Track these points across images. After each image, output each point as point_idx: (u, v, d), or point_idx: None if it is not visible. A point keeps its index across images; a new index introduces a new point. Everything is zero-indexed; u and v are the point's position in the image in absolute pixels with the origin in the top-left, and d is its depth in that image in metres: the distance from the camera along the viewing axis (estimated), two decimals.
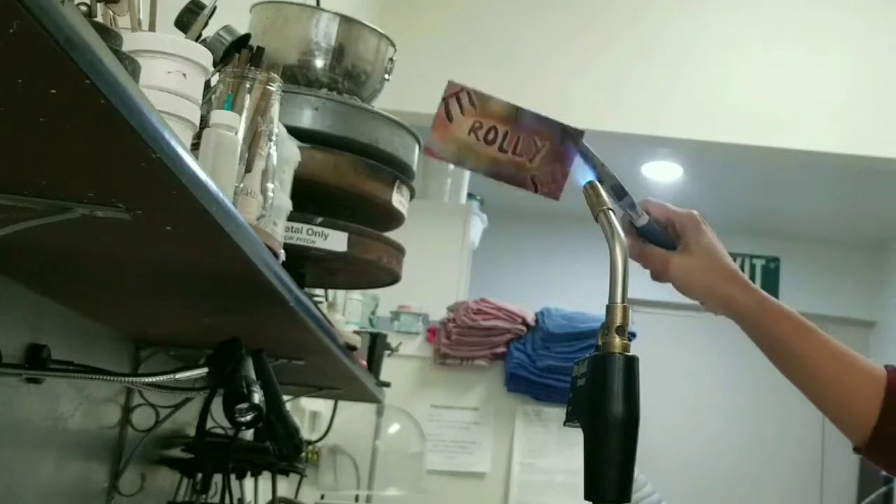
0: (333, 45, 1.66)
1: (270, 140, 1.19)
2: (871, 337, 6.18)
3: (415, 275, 2.13)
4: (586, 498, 0.83)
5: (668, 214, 1.18)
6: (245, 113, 1.16)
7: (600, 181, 1.07)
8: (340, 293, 2.53)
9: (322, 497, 3.18)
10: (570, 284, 5.76)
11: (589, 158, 1.06)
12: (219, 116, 1.06)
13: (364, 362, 2.32)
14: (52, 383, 1.26)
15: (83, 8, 0.84)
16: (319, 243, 1.57)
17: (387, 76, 1.75)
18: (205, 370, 1.23)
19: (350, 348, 1.83)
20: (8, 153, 0.67)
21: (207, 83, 1.04)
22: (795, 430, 5.93)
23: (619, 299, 0.84)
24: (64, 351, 1.23)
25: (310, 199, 1.54)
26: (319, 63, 1.66)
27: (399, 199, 1.69)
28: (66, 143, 0.64)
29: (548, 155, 1.06)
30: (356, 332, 2.20)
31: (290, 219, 1.40)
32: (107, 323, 1.42)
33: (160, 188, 0.72)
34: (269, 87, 1.19)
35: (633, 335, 1.24)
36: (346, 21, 1.68)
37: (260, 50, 1.21)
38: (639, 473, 3.07)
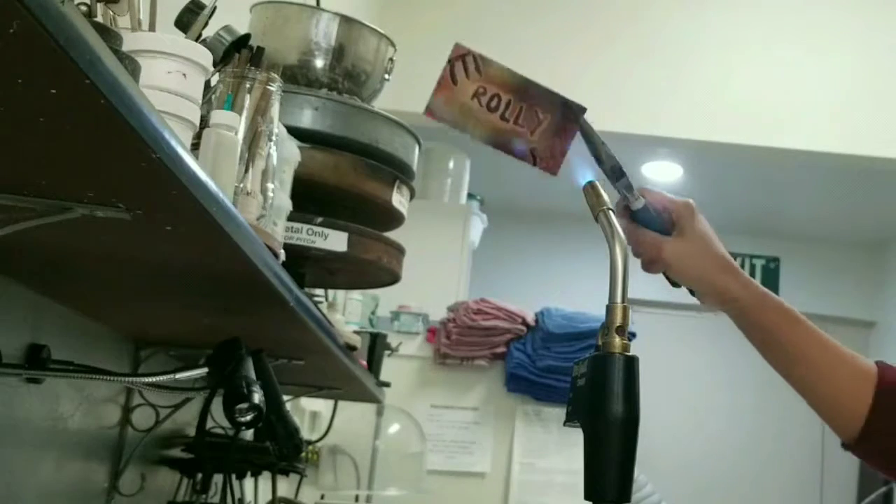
0: (333, 45, 1.66)
1: (270, 140, 1.19)
2: (871, 337, 6.18)
3: (415, 275, 2.13)
4: (586, 498, 0.83)
5: (664, 202, 1.17)
6: (245, 113, 1.16)
7: (599, 160, 1.07)
8: (340, 293, 2.53)
9: (322, 497, 3.18)
10: (570, 284, 5.76)
11: (589, 136, 1.06)
12: (219, 116, 1.06)
13: (364, 362, 2.32)
14: (52, 383, 1.26)
15: (83, 8, 0.84)
16: (319, 243, 1.57)
17: (387, 76, 1.75)
18: (205, 370, 1.23)
19: (350, 348, 1.83)
20: (8, 153, 0.67)
21: (207, 83, 1.04)
22: (795, 430, 5.93)
23: (619, 299, 0.84)
24: (64, 351, 1.23)
25: (310, 199, 1.54)
26: (319, 63, 1.66)
27: (399, 199, 1.69)
28: (66, 143, 0.64)
29: (549, 129, 1.06)
30: (356, 332, 2.20)
31: (290, 219, 1.40)
32: (107, 323, 1.42)
33: (160, 188, 0.72)
34: (269, 87, 1.19)
35: (633, 335, 1.24)
36: (346, 21, 1.68)
37: (260, 50, 1.21)
38: (639, 473, 3.07)
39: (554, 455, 3.53)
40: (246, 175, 1.13)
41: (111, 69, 0.56)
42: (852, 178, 5.08)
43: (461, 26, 3.89)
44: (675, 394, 6.08)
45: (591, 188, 0.94)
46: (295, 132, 1.44)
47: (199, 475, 1.74)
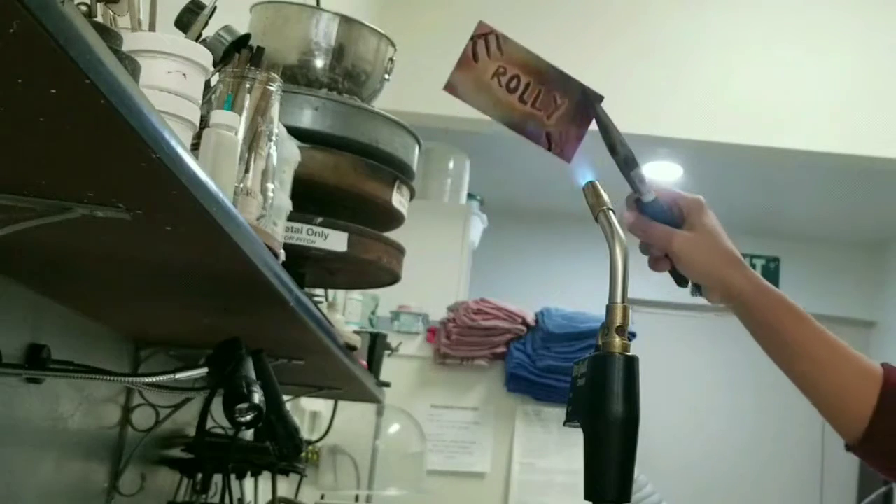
0: (333, 45, 1.66)
1: (270, 140, 1.19)
2: (871, 337, 6.18)
3: (415, 275, 2.13)
4: (586, 498, 0.82)
5: (674, 196, 1.17)
6: (245, 113, 1.16)
7: (613, 149, 1.07)
8: (340, 293, 2.53)
9: (322, 497, 3.18)
10: (570, 284, 5.76)
11: (604, 124, 1.06)
12: (219, 116, 1.06)
13: (364, 362, 2.32)
14: (52, 383, 1.26)
15: (83, 8, 0.84)
16: (319, 243, 1.57)
17: (387, 76, 1.75)
18: (205, 370, 1.23)
19: (350, 348, 1.83)
20: (8, 153, 0.67)
21: (207, 83, 1.04)
22: (795, 430, 5.93)
23: (619, 299, 0.84)
24: (64, 351, 1.23)
25: (310, 199, 1.54)
26: (319, 63, 1.66)
27: (399, 199, 1.69)
28: (66, 143, 0.64)
29: (566, 114, 1.06)
30: (356, 332, 2.20)
31: (290, 219, 1.40)
32: (107, 323, 1.42)
33: (160, 188, 0.72)
34: (269, 87, 1.19)
35: (633, 335, 1.24)
36: (346, 21, 1.68)
37: (260, 50, 1.21)
38: (639, 473, 3.07)
39: (554, 455, 3.53)
40: (246, 175, 1.13)
41: (111, 69, 0.56)
42: (852, 178, 5.08)
43: (461, 26, 3.87)
44: (676, 394, 6.09)
45: (591, 188, 0.93)
46: (295, 132, 1.44)
47: (199, 475, 1.74)
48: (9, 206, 0.75)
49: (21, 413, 1.21)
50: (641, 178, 1.12)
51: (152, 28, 0.97)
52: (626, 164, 1.09)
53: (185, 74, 0.90)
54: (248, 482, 1.98)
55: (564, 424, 0.88)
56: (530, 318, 3.59)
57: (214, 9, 1.10)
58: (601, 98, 1.06)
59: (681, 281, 1.20)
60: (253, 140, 1.16)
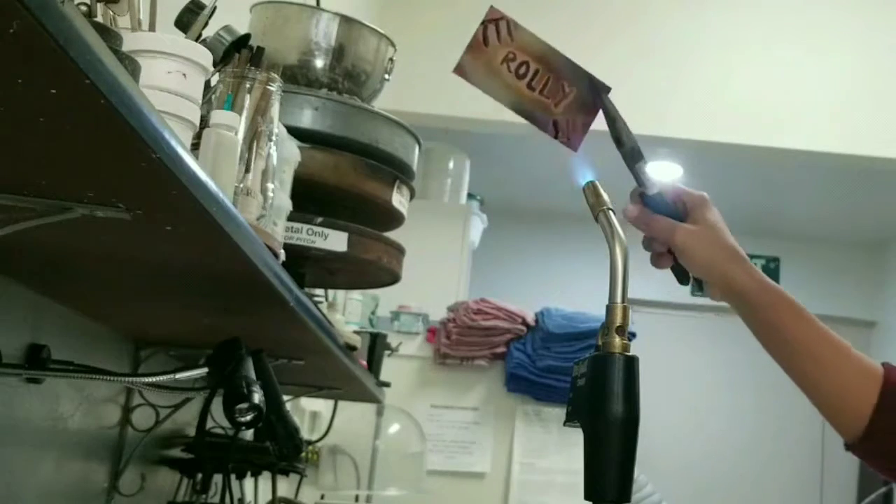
0: (333, 45, 1.66)
1: (270, 140, 1.19)
2: (871, 337, 6.18)
3: (415, 275, 2.13)
4: (586, 498, 0.82)
5: (678, 191, 1.18)
6: (245, 113, 1.16)
7: (619, 141, 1.07)
8: (340, 293, 2.53)
9: (322, 497, 3.18)
10: (570, 284, 5.76)
11: (611, 115, 1.07)
12: (219, 116, 1.06)
13: (364, 362, 2.32)
14: (52, 383, 1.26)
15: (83, 8, 0.84)
16: (319, 243, 1.57)
17: (387, 76, 1.75)
18: (205, 370, 1.23)
19: (350, 348, 1.83)
20: (8, 153, 0.67)
21: (207, 83, 1.04)
22: (795, 430, 5.93)
23: (619, 299, 0.84)
24: (64, 351, 1.23)
25: (310, 199, 1.54)
26: (319, 63, 1.66)
27: (399, 199, 1.69)
28: (66, 143, 0.64)
29: (573, 103, 1.07)
30: (356, 332, 2.20)
31: (290, 219, 1.40)
32: (107, 323, 1.42)
33: (160, 188, 0.72)
34: (269, 87, 1.19)
35: (633, 335, 1.23)
36: (346, 21, 1.68)
37: (260, 50, 1.21)
38: (639, 473, 3.07)
39: (554, 455, 3.53)
40: (246, 175, 1.13)
41: (111, 69, 0.56)
42: (852, 178, 5.08)
43: (461, 26, 3.87)
44: (676, 394, 6.09)
45: (591, 188, 0.94)
46: (295, 132, 1.44)
47: (199, 475, 1.74)
48: (9, 206, 0.75)
49: (21, 413, 1.21)
50: (646, 170, 1.12)
51: (152, 28, 0.97)
52: (632, 156, 1.09)
53: (185, 74, 0.90)
54: (248, 482, 1.98)
55: (564, 424, 0.88)
56: (530, 318, 3.59)
57: (214, 9, 1.10)
58: (609, 89, 1.07)
59: (682, 278, 1.20)
60: (253, 140, 1.16)
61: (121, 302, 1.30)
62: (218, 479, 1.75)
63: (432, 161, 4.54)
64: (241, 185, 1.12)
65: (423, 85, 3.61)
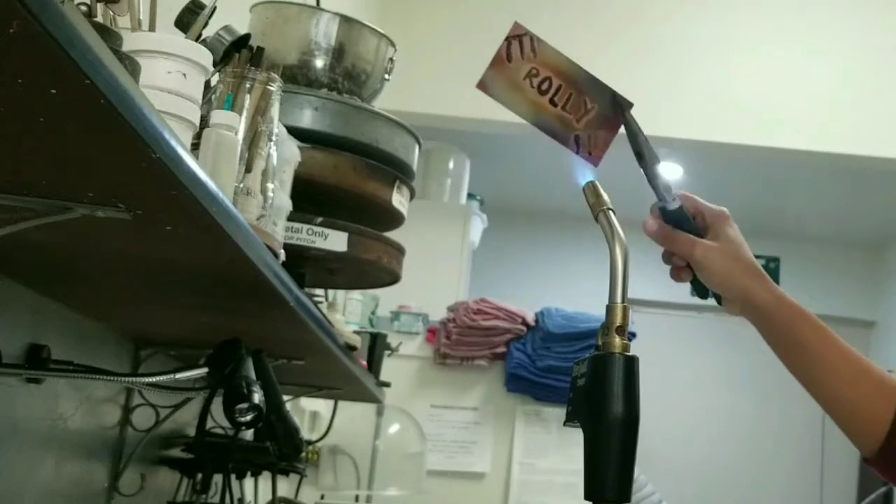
0: (333, 45, 1.66)
1: (270, 140, 1.19)
2: (871, 337, 6.18)
3: (415, 275, 2.13)
4: (586, 498, 0.82)
5: (697, 206, 1.18)
6: (245, 113, 1.16)
7: (640, 157, 1.08)
8: (340, 293, 2.53)
9: (322, 497, 3.18)
10: (570, 284, 5.76)
11: (633, 132, 1.07)
12: (219, 116, 1.06)
13: (364, 362, 2.32)
14: (52, 383, 1.26)
15: (83, 8, 0.84)
16: (319, 243, 1.57)
17: (387, 76, 1.75)
18: (205, 370, 1.23)
19: (350, 348, 1.83)
20: (8, 153, 0.67)
21: (207, 83, 1.04)
22: (795, 430, 5.93)
23: (619, 299, 0.84)
24: (64, 351, 1.23)
25: (310, 199, 1.54)
26: (319, 63, 1.66)
27: (399, 199, 1.69)
28: (66, 143, 0.64)
29: (595, 119, 1.07)
30: (356, 332, 2.20)
31: (290, 219, 1.40)
32: (107, 323, 1.42)
33: (160, 188, 0.72)
34: (269, 87, 1.19)
35: (633, 335, 1.23)
36: (346, 21, 1.68)
37: (260, 50, 1.21)
38: (639, 473, 3.07)
39: (554, 455, 3.53)
40: (246, 175, 1.13)
41: (111, 69, 0.56)
42: (852, 178, 5.08)
43: (461, 26, 3.89)
44: (676, 394, 6.08)
45: (591, 188, 0.94)
46: (295, 132, 1.44)
47: (199, 475, 1.74)
48: (9, 206, 0.75)
49: (21, 413, 1.21)
50: (668, 186, 1.13)
51: (152, 28, 0.97)
52: (653, 172, 1.09)
53: (185, 74, 0.90)
54: (248, 482, 1.98)
55: (564, 424, 0.88)
56: (530, 318, 3.59)
57: (214, 9, 1.10)
58: (631, 105, 1.07)
59: (702, 292, 1.20)
60: (253, 140, 1.16)
61: (121, 302, 1.30)
62: (218, 479, 1.75)
63: (432, 161, 4.54)
64: (241, 185, 1.12)
65: (423, 85, 3.61)
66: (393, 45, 1.74)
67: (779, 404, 5.55)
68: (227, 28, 1.19)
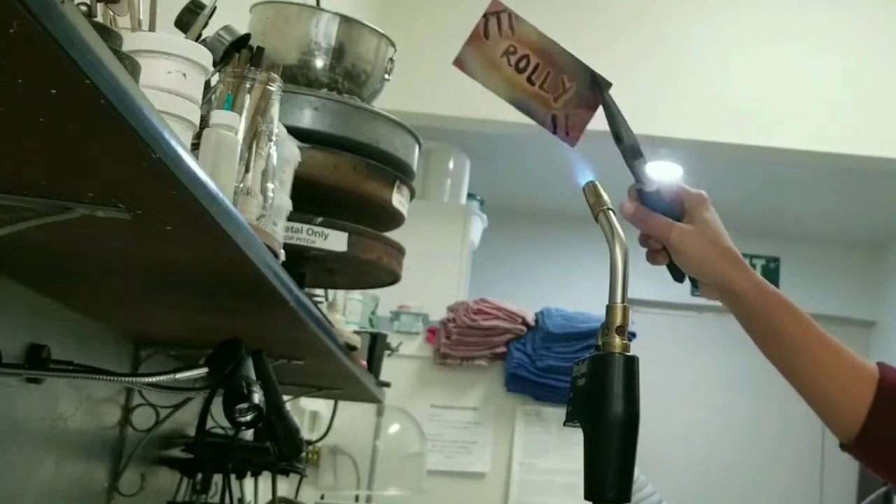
0: (333, 45, 1.66)
1: (270, 140, 1.19)
2: (871, 337, 6.18)
3: (415, 275, 2.13)
4: (586, 498, 0.82)
5: (677, 190, 1.17)
6: (245, 113, 1.16)
7: (618, 137, 1.07)
8: (340, 293, 2.53)
9: (322, 497, 3.18)
10: (570, 284, 5.76)
11: (611, 111, 1.06)
12: (219, 116, 1.06)
13: (364, 362, 2.32)
14: (52, 383, 1.26)
15: (83, 8, 0.84)
16: (319, 243, 1.57)
17: (387, 76, 1.75)
18: (205, 370, 1.23)
19: (350, 348, 1.83)
20: (8, 153, 0.67)
21: (207, 83, 1.04)
22: (795, 430, 5.93)
23: (619, 299, 0.84)
24: (64, 351, 1.23)
25: (310, 199, 1.54)
26: (319, 63, 1.66)
27: (399, 199, 1.69)
28: (66, 143, 0.64)
29: (573, 98, 1.06)
30: (356, 332, 2.20)
31: (290, 219, 1.40)
32: (107, 323, 1.42)
33: (160, 188, 0.72)
34: (269, 87, 1.19)
35: (633, 335, 1.23)
36: (346, 21, 1.68)
37: (260, 50, 1.21)
38: (639, 473, 3.07)
39: (554, 455, 3.53)
40: (246, 175, 1.13)
41: (111, 69, 0.56)
42: (852, 178, 5.07)
43: (461, 27, 3.88)
44: (676, 394, 6.08)
45: (591, 188, 0.93)
46: (295, 132, 1.43)
47: (199, 475, 1.74)
48: (9, 206, 0.75)
49: (21, 413, 1.21)
50: (645, 168, 1.12)
51: (152, 28, 0.97)
52: (631, 153, 1.09)
53: (185, 74, 0.90)
54: (248, 482, 1.98)
55: (564, 424, 0.88)
56: (530, 318, 3.59)
57: (214, 9, 1.10)
58: (610, 84, 1.06)
59: (678, 275, 1.20)
60: (253, 140, 1.16)
61: (121, 302, 1.30)
62: (218, 479, 1.76)
63: (432, 161, 4.54)
64: (241, 185, 1.12)
65: (423, 85, 3.61)
66: (393, 45, 1.74)
67: (779, 404, 5.54)
68: (227, 28, 1.19)
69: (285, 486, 2.50)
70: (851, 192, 5.46)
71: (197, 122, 0.92)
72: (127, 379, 1.38)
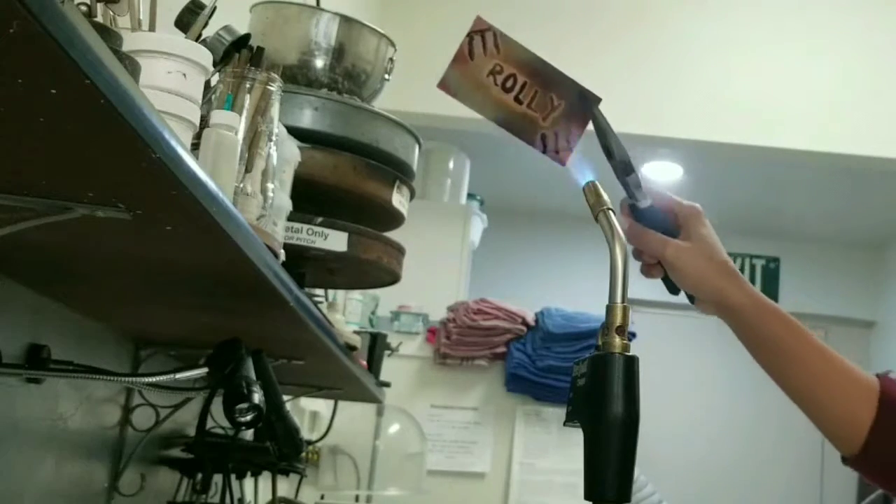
0: (333, 45, 1.66)
1: (270, 140, 1.19)
2: (871, 337, 6.17)
3: (415, 275, 2.13)
4: (586, 498, 0.82)
5: (670, 203, 1.15)
6: (245, 113, 1.16)
7: (609, 153, 1.05)
8: (340, 293, 2.53)
9: (322, 497, 3.18)
10: (570, 284, 5.76)
11: (601, 127, 1.04)
12: (219, 116, 1.06)
13: (364, 362, 2.32)
14: (52, 383, 1.26)
15: (83, 8, 0.84)
16: (319, 243, 1.57)
17: (387, 76, 1.75)
18: (205, 370, 1.23)
19: (350, 348, 1.83)
20: (8, 153, 0.67)
21: (207, 83, 1.04)
22: (795, 431, 5.89)
23: (619, 299, 0.84)
24: (64, 351, 1.23)
25: (310, 199, 1.54)
26: (319, 63, 1.66)
27: (399, 199, 1.69)
28: (66, 143, 0.64)
29: (562, 116, 1.03)
30: (356, 332, 2.20)
31: (290, 219, 1.40)
32: (107, 323, 1.42)
33: (160, 188, 0.72)
34: (269, 87, 1.19)
35: (633, 335, 1.23)
36: (346, 21, 1.68)
37: (260, 50, 1.21)
38: (639, 473, 3.07)
39: (554, 455, 3.53)
40: (246, 175, 1.13)
41: (111, 69, 0.56)
42: (852, 178, 5.07)
43: (461, 27, 3.88)
44: (676, 394, 6.08)
45: (591, 188, 0.93)
46: (295, 132, 1.43)
47: (199, 475, 1.74)
48: (9, 206, 0.75)
49: (21, 413, 1.21)
50: (638, 183, 1.11)
51: (152, 28, 0.97)
52: (623, 168, 1.07)
53: (185, 74, 0.90)
54: (248, 482, 1.98)
55: (564, 424, 0.88)
56: (530, 318, 3.59)
57: (214, 9, 1.10)
58: (599, 100, 1.04)
59: (673, 289, 1.19)
60: (253, 140, 1.16)
61: (121, 302, 1.30)
62: (218, 479, 1.75)
63: (432, 161, 4.54)
64: (241, 185, 1.12)
65: (423, 85, 3.61)
66: (393, 45, 1.74)
67: (779, 404, 5.51)
68: (227, 28, 1.19)
69: (285, 486, 2.50)
70: (851, 192, 5.45)
71: (197, 122, 0.92)
72: (127, 379, 1.38)
